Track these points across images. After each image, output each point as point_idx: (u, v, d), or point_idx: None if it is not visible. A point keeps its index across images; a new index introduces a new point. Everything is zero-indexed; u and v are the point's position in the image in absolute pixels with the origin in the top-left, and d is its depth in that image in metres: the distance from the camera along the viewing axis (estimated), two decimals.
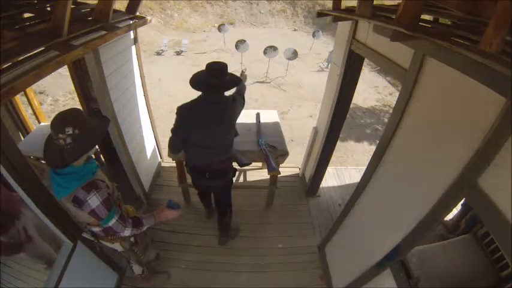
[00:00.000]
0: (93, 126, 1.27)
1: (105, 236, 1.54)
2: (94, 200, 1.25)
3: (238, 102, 1.88)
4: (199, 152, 1.94)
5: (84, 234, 1.61)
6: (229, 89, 1.83)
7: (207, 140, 1.86)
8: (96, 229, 1.48)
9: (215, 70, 1.75)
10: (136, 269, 2.09)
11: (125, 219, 1.41)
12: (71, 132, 1.15)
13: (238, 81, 1.90)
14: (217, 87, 1.76)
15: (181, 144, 1.91)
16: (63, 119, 1.18)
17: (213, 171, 2.02)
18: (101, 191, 1.27)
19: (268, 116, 3.01)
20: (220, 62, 1.82)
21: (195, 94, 1.87)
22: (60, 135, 1.15)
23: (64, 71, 4.03)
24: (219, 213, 2.49)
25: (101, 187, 1.29)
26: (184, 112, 1.81)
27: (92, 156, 1.41)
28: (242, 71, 2.26)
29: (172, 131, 1.88)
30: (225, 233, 2.61)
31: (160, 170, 3.48)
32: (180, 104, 1.85)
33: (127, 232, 1.42)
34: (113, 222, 1.34)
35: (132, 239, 1.71)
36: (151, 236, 2.40)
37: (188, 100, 1.84)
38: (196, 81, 1.79)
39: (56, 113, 1.24)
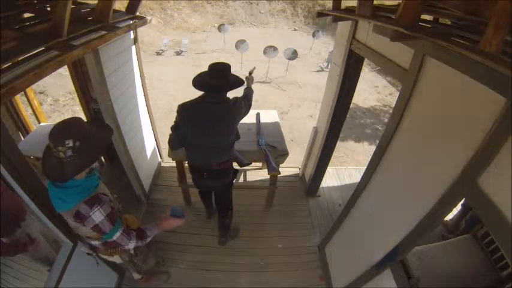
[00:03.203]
0: (95, 137, 1.19)
1: (104, 249, 1.51)
2: (97, 215, 1.19)
3: (240, 105, 1.86)
4: (199, 152, 1.94)
5: (82, 248, 1.58)
6: (231, 90, 1.82)
7: (206, 140, 1.86)
8: (95, 242, 1.44)
9: (216, 71, 1.76)
10: (136, 276, 2.09)
11: (129, 232, 1.36)
12: (71, 144, 1.08)
13: (240, 83, 1.88)
14: (218, 88, 1.77)
15: (180, 142, 1.91)
16: (62, 130, 1.10)
17: (212, 172, 2.01)
18: (104, 205, 1.21)
19: (268, 116, 3.01)
20: (222, 62, 1.82)
21: (196, 94, 1.87)
22: (60, 148, 1.08)
23: (64, 71, 4.03)
24: (220, 213, 2.49)
25: (104, 201, 1.23)
26: (185, 111, 1.82)
27: (94, 168, 1.33)
28: (249, 72, 2.20)
29: (172, 128, 1.89)
30: (225, 233, 2.61)
31: (160, 170, 3.48)
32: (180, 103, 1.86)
33: (131, 245, 1.37)
34: (117, 236, 1.30)
35: (132, 251, 1.67)
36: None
37: (186, 99, 1.85)
38: (198, 81, 1.80)
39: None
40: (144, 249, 1.86)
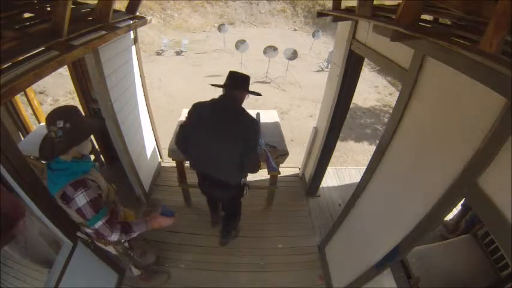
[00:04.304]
0: (87, 123, 1.31)
1: (97, 238, 1.52)
2: (81, 198, 1.24)
3: (256, 124, 1.80)
4: (202, 157, 1.88)
5: (79, 234, 1.60)
6: (246, 89, 1.81)
7: (210, 143, 1.78)
8: (89, 230, 1.47)
9: (236, 74, 1.79)
10: (135, 271, 2.09)
11: (113, 224, 1.36)
12: (61, 125, 1.19)
13: (255, 92, 1.87)
14: (235, 82, 1.77)
15: (183, 141, 1.88)
16: (56, 113, 1.22)
17: (217, 183, 1.94)
18: (89, 190, 1.26)
19: (268, 116, 3.01)
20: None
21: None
22: (52, 128, 1.19)
23: (64, 71, 4.03)
24: (225, 217, 2.46)
25: (90, 186, 1.28)
26: (195, 108, 1.79)
27: (86, 154, 1.40)
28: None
29: (181, 125, 1.87)
30: (226, 234, 2.60)
31: (160, 170, 3.48)
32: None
33: (114, 237, 1.37)
34: (99, 224, 1.31)
35: (126, 244, 1.69)
36: (151, 237, 2.40)
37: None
38: (216, 84, 1.84)
39: None
40: (141, 244, 1.86)
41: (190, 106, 1.82)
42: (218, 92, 1.83)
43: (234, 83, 1.76)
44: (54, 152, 1.22)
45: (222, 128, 1.72)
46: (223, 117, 1.72)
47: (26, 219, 1.78)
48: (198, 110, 1.79)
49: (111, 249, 1.67)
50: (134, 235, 1.47)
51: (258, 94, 1.91)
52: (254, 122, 1.77)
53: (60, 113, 1.23)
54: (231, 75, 1.80)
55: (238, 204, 2.37)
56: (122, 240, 1.54)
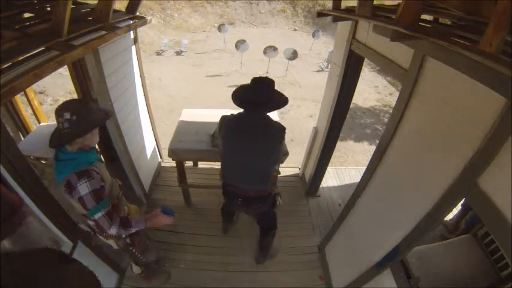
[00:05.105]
0: (93, 116, 1.35)
1: (99, 231, 1.54)
2: (83, 187, 1.27)
3: (282, 133, 1.78)
4: (235, 172, 1.87)
5: (82, 226, 1.61)
6: (273, 109, 1.78)
7: (243, 158, 1.79)
8: (90, 222, 1.49)
9: (261, 87, 1.73)
10: (136, 269, 2.09)
11: (113, 217, 1.37)
12: (68, 117, 1.24)
13: (284, 103, 1.78)
14: (260, 105, 1.71)
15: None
16: (65, 105, 1.28)
17: (248, 198, 1.91)
18: (92, 180, 1.29)
19: None
20: (267, 78, 1.77)
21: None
22: (59, 119, 1.25)
23: (64, 71, 4.03)
24: (262, 232, 2.40)
25: (94, 177, 1.30)
26: (225, 123, 1.80)
27: (94, 147, 1.44)
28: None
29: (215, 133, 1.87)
30: (265, 253, 2.47)
31: (160, 170, 3.48)
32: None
33: (112, 230, 1.39)
34: (98, 216, 1.32)
35: (128, 240, 1.70)
36: (151, 237, 2.40)
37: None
38: (239, 97, 1.75)
39: None
40: (143, 240, 1.87)
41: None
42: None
43: (258, 94, 1.71)
44: (60, 142, 1.28)
45: (250, 140, 1.74)
46: (252, 131, 1.73)
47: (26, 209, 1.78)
48: (227, 123, 1.80)
49: (112, 243, 1.69)
50: (133, 231, 1.48)
51: (285, 99, 1.80)
52: (281, 132, 1.78)
53: (68, 106, 1.28)
54: (254, 82, 1.73)
55: (274, 216, 2.29)
56: (123, 236, 1.55)
